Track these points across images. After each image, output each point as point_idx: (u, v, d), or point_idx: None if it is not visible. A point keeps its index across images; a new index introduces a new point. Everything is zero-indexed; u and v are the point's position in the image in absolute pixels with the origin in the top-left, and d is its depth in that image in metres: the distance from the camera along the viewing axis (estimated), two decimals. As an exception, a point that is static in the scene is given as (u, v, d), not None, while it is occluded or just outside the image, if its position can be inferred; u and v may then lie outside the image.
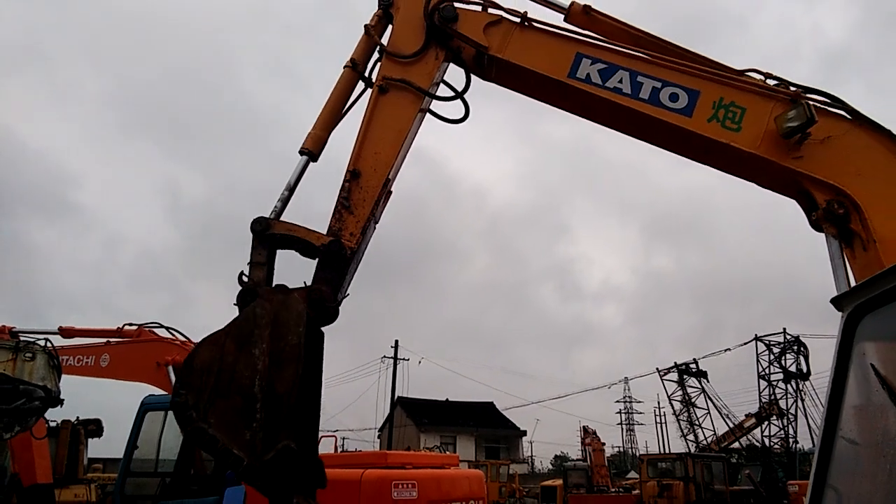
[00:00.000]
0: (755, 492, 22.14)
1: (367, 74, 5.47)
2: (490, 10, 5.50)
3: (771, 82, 5.04)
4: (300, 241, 4.56)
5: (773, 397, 27.52)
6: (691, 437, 31.85)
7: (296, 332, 3.81)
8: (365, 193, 4.81)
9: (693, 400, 32.40)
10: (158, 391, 10.46)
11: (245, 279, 4.25)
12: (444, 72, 5.53)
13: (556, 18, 5.56)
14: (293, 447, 3.49)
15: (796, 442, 27.56)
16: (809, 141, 4.71)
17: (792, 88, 4.93)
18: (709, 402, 32.00)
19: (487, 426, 56.53)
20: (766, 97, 4.94)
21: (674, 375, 32.94)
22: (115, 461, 20.87)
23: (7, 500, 11.57)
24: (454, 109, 5.60)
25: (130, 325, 11.98)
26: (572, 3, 5.53)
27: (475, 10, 5.52)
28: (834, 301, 3.31)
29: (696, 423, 31.76)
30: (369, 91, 5.36)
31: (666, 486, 20.39)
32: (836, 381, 3.11)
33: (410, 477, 8.66)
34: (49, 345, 7.92)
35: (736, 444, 33.19)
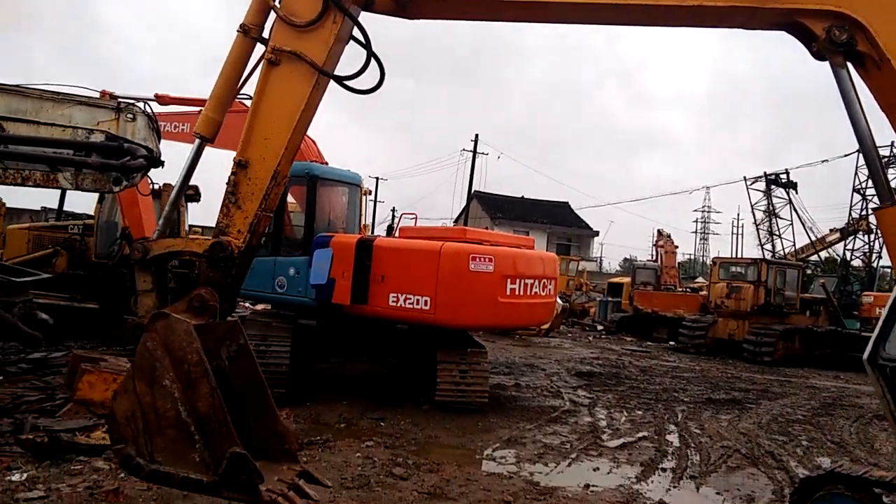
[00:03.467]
0: (826, 301, 22.20)
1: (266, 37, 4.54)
2: None
3: None
4: (185, 252, 4.42)
5: (865, 212, 26.44)
6: (769, 246, 31.52)
7: (191, 349, 3.76)
8: (253, 186, 4.30)
9: (777, 211, 31.59)
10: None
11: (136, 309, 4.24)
12: (351, 29, 4.55)
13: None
14: (240, 451, 3.61)
15: (879, 257, 26.88)
16: None
17: None
18: (794, 213, 31.14)
19: (561, 224, 57.47)
20: None
21: (761, 185, 31.87)
22: (212, 228, 22.36)
23: (119, 250, 12.86)
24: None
25: (221, 94, 12.22)
26: None
27: None
28: None
29: (777, 233, 31.24)
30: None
31: (735, 288, 20.55)
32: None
33: (488, 252, 9.00)
34: (148, 108, 8.15)
35: (814, 257, 32.77)
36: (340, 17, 4.46)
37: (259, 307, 13.00)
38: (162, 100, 13.06)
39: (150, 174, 8.36)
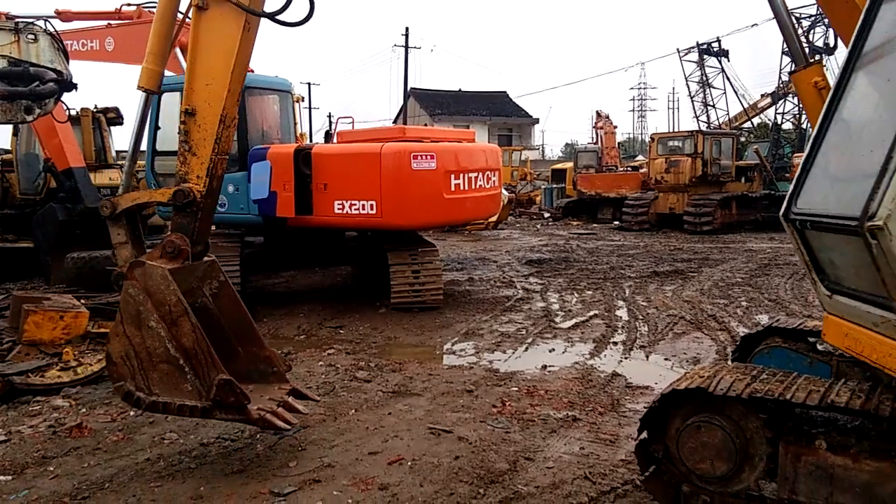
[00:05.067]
0: (760, 166, 22.93)
1: None
2: None
3: None
4: (151, 203, 4.72)
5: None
6: (704, 118, 32.03)
7: (169, 292, 4.11)
8: (203, 132, 4.46)
9: (710, 81, 31.89)
10: (168, 73, 10.30)
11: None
12: None
13: None
14: (225, 377, 3.99)
15: (808, 119, 27.64)
16: None
17: None
18: (726, 82, 31.52)
19: (500, 115, 57.01)
20: None
21: (694, 56, 31.94)
22: (141, 152, 21.37)
23: (45, 183, 12.24)
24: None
25: (128, 5, 11.41)
26: None
27: None
28: None
29: (711, 103, 31.67)
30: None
31: (673, 162, 21.01)
32: (859, 36, 3.04)
33: (429, 150, 8.88)
34: (50, 26, 7.53)
35: (748, 124, 33.52)
36: None
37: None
38: (64, 16, 12.08)
39: (63, 99, 7.85)
